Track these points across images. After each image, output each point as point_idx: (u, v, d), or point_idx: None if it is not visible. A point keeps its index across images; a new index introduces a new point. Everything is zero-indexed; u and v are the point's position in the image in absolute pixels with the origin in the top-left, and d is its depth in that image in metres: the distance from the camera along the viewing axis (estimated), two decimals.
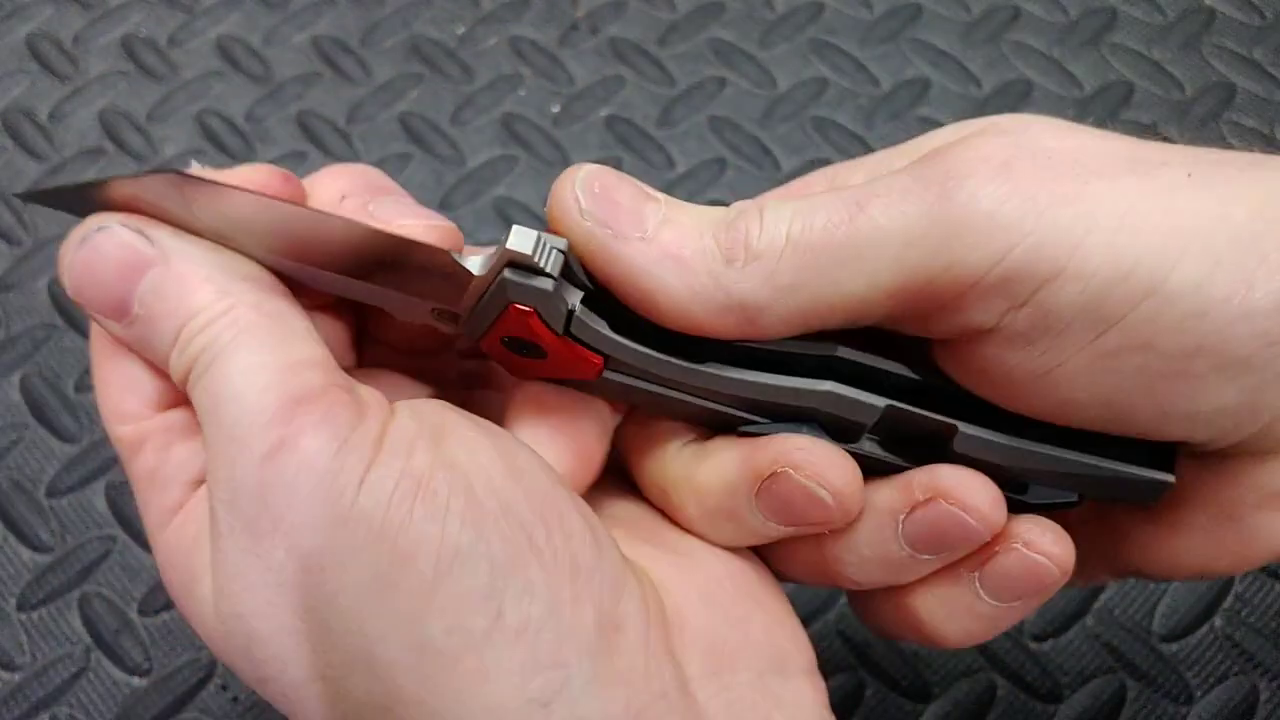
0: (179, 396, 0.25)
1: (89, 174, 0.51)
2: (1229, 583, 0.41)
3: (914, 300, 0.23)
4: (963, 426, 0.25)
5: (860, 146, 0.52)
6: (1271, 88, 0.54)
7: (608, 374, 0.25)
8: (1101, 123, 0.53)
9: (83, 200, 0.24)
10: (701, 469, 0.26)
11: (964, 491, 0.25)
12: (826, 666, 0.40)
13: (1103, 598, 0.41)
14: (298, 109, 0.54)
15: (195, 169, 0.25)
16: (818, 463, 0.24)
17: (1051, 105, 0.53)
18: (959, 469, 0.25)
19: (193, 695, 0.40)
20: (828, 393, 0.25)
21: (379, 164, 0.52)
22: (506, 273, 0.23)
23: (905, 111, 0.53)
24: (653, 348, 0.24)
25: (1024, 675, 0.40)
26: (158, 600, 0.41)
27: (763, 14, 0.57)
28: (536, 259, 0.23)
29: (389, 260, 0.24)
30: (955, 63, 0.55)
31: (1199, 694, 0.39)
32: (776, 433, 0.25)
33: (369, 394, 0.24)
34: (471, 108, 0.53)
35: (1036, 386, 0.23)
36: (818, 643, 0.41)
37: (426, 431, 0.23)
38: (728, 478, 0.25)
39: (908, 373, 0.25)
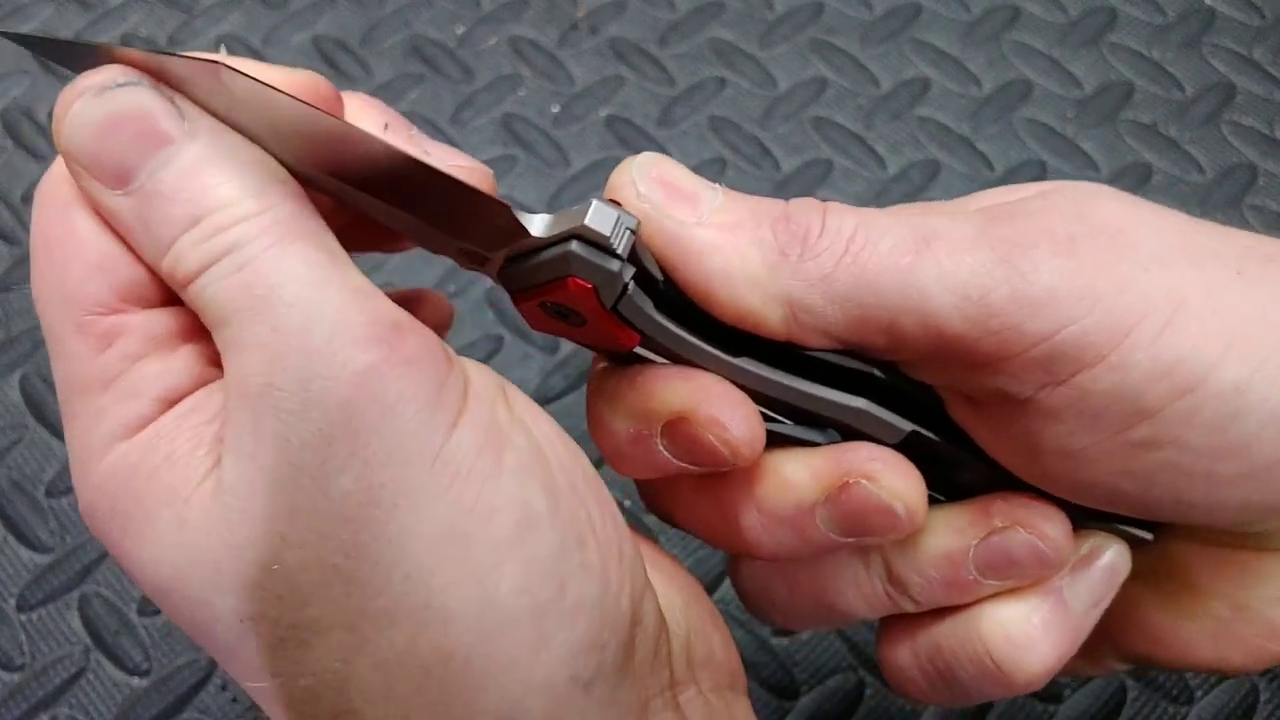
0: (161, 294, 0.22)
1: None
2: None
3: (956, 351, 0.23)
4: (973, 460, 0.25)
5: (860, 146, 0.52)
6: (1271, 88, 0.54)
7: (639, 350, 0.25)
8: (1102, 122, 0.53)
9: (99, 61, 0.21)
10: (766, 475, 0.26)
11: (1042, 522, 0.25)
12: (826, 666, 0.40)
13: None
14: None
15: (229, 59, 0.22)
16: (893, 474, 0.24)
17: (1051, 105, 0.53)
18: (1034, 498, 0.25)
19: (192, 695, 0.40)
20: (861, 410, 0.25)
21: None
22: (574, 245, 0.22)
23: (905, 111, 0.53)
24: (692, 333, 0.24)
25: None
26: None
27: (763, 14, 0.57)
28: (612, 240, 0.22)
29: (435, 197, 0.23)
30: (955, 63, 0.55)
31: (1199, 694, 0.39)
32: (796, 434, 0.25)
33: (441, 340, 0.22)
34: (471, 108, 0.53)
35: (1056, 462, 0.23)
36: (818, 643, 0.41)
37: (499, 389, 0.23)
38: (798, 485, 0.25)
39: (931, 401, 0.25)
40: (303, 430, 0.20)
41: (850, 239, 0.23)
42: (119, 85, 0.21)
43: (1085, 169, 0.51)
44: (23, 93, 0.54)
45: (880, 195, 0.51)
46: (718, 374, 0.25)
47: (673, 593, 0.26)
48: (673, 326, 0.24)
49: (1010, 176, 0.51)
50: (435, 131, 0.53)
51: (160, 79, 0.21)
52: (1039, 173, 0.51)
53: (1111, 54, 0.55)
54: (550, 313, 0.24)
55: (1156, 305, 0.22)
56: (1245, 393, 0.22)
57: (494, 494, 0.21)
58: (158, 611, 0.41)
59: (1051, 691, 0.40)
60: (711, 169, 0.51)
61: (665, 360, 0.25)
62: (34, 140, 0.52)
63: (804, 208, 0.23)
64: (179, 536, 0.21)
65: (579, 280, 0.23)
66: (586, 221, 0.22)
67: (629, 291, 0.23)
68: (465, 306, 0.48)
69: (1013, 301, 0.22)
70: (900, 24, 0.56)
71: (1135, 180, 0.51)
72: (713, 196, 0.24)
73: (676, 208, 0.23)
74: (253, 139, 0.22)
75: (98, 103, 0.21)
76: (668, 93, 0.54)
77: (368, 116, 0.25)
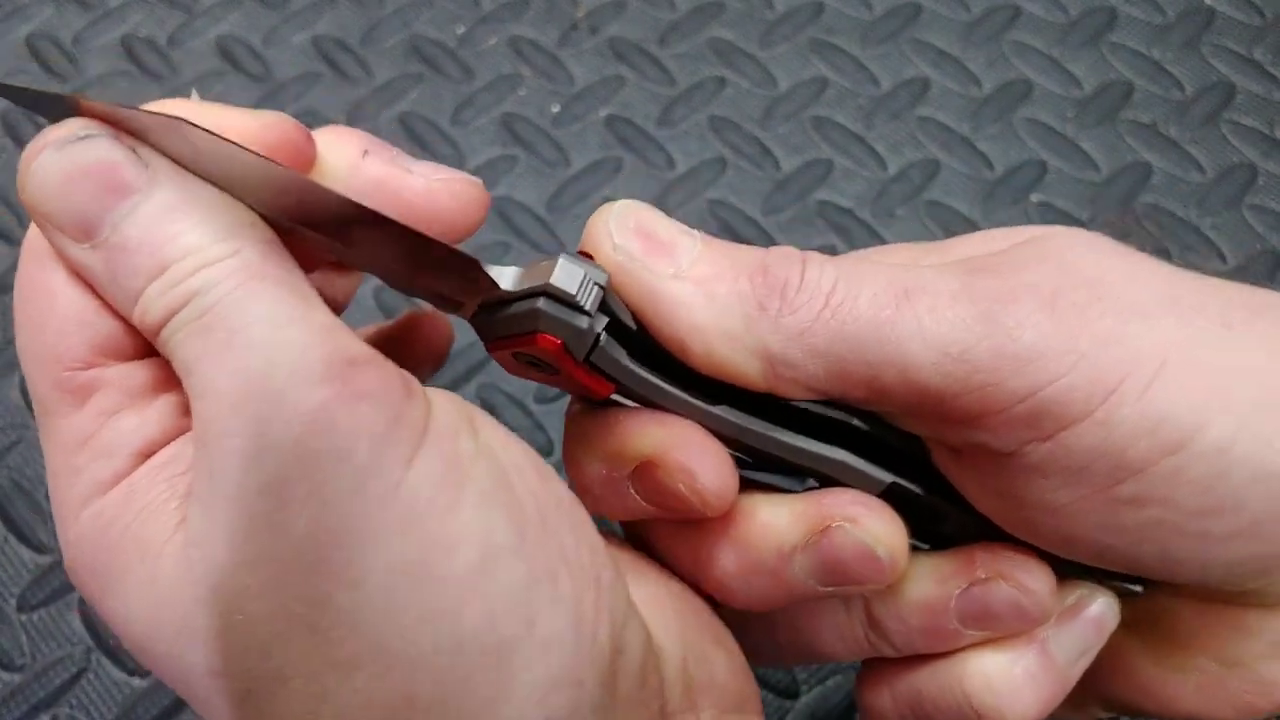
0: (136, 347, 0.22)
1: None
2: None
3: (937, 405, 0.22)
4: (955, 512, 0.25)
5: (860, 146, 0.52)
6: (1271, 88, 0.54)
7: (616, 397, 0.24)
8: (1102, 122, 0.53)
9: (62, 110, 0.22)
10: (745, 520, 0.25)
11: (1025, 575, 0.25)
12: (826, 667, 0.40)
13: None
14: (298, 109, 0.53)
15: (196, 104, 0.22)
16: (876, 519, 0.24)
17: (1052, 105, 0.53)
18: (1019, 550, 0.25)
19: None
20: (840, 461, 0.24)
21: None
22: (541, 303, 0.22)
23: (905, 111, 0.53)
24: (669, 381, 0.24)
25: None
26: None
27: (763, 14, 0.57)
28: (579, 297, 0.22)
29: (403, 248, 0.23)
30: (955, 62, 0.55)
31: None
32: (773, 482, 0.25)
33: (404, 372, 0.22)
34: (471, 108, 0.53)
35: (1041, 516, 0.23)
36: None
37: (464, 419, 0.22)
38: (778, 529, 0.25)
39: (915, 451, 0.25)
40: (259, 475, 0.19)
41: (830, 293, 0.22)
42: (79, 138, 0.21)
43: (1085, 169, 0.51)
44: None
45: (880, 195, 0.51)
46: (695, 421, 0.24)
47: (667, 615, 0.25)
48: (648, 375, 0.24)
49: (1010, 176, 0.51)
50: (435, 131, 0.53)
51: (124, 130, 0.21)
52: (1039, 173, 0.51)
53: (1111, 54, 0.55)
54: (524, 362, 0.24)
55: (1141, 361, 0.22)
56: (1232, 449, 0.21)
57: (454, 528, 0.20)
58: None
59: None
60: (711, 169, 0.51)
61: (640, 405, 0.25)
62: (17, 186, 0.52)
63: (782, 258, 0.23)
64: (151, 592, 0.21)
65: (547, 335, 0.23)
66: (552, 280, 0.22)
67: (601, 343, 0.23)
68: None
69: (995, 357, 0.22)
70: (900, 24, 0.56)
71: (1135, 180, 0.51)
72: (690, 245, 0.23)
73: (653, 259, 0.23)
74: (219, 187, 0.22)
75: (60, 157, 0.21)
76: (668, 93, 0.54)
77: (344, 146, 0.24)
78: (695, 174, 0.51)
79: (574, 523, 0.23)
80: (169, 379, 0.22)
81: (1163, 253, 0.49)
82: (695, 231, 0.24)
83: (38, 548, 0.42)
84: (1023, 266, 0.23)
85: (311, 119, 0.53)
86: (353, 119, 0.53)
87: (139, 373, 0.22)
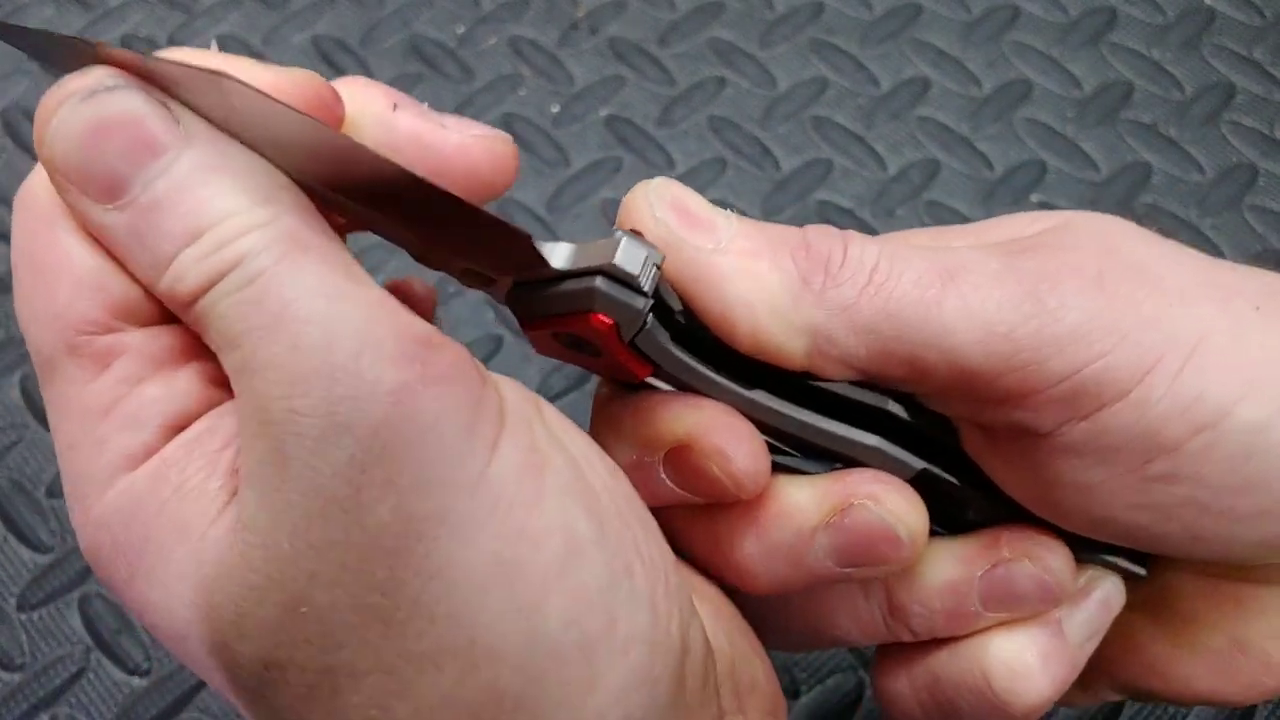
0: (157, 312, 0.20)
1: None
2: None
3: (977, 385, 0.22)
4: (981, 499, 0.26)
5: (860, 146, 0.52)
6: (1271, 88, 0.54)
7: (651, 379, 0.24)
8: (1102, 122, 0.53)
9: (84, 60, 0.19)
10: (769, 500, 0.25)
11: (1048, 554, 0.25)
12: (826, 667, 0.40)
13: None
14: None
15: (220, 56, 0.21)
16: (897, 497, 0.24)
17: (1051, 105, 0.53)
18: (1041, 531, 0.25)
19: (193, 695, 0.40)
20: (873, 447, 0.25)
21: None
22: (600, 282, 0.22)
23: (905, 111, 0.53)
24: (707, 365, 0.24)
25: None
26: None
27: (763, 14, 0.57)
28: (639, 279, 0.22)
29: (448, 220, 0.21)
30: (955, 63, 0.55)
31: None
32: (803, 467, 0.25)
33: (473, 357, 0.21)
34: (471, 108, 0.53)
35: (1071, 496, 0.23)
36: None
37: (533, 406, 0.21)
38: (800, 508, 0.24)
39: (946, 439, 0.25)
40: (332, 458, 0.18)
41: (874, 269, 0.22)
42: (107, 89, 0.19)
43: (1085, 169, 0.51)
44: (23, 93, 0.54)
45: (880, 195, 0.51)
46: (730, 405, 0.24)
47: (716, 618, 0.25)
48: (688, 359, 0.24)
49: (1010, 176, 0.51)
50: None
51: (152, 83, 0.20)
52: (1039, 173, 0.51)
53: (1111, 54, 0.55)
54: (563, 342, 0.24)
55: (1179, 342, 0.22)
56: (1264, 431, 0.22)
57: (539, 520, 0.19)
58: None
59: None
60: (711, 169, 0.51)
61: (675, 389, 0.25)
62: (34, 140, 0.52)
63: (823, 235, 0.23)
64: (195, 578, 0.19)
65: (601, 316, 0.22)
66: (617, 260, 0.21)
67: (648, 325, 0.23)
68: (465, 307, 0.48)
69: (1039, 338, 0.22)
70: (900, 24, 0.56)
71: (1135, 180, 0.51)
72: (728, 223, 0.23)
73: (695, 234, 0.23)
74: (252, 149, 0.20)
75: (84, 109, 0.19)
76: (668, 93, 0.54)
77: (372, 99, 0.23)
78: (695, 174, 0.51)
79: (641, 517, 0.22)
80: (195, 347, 0.20)
81: None
82: (728, 210, 0.24)
83: (37, 547, 0.42)
84: (1065, 249, 0.23)
85: None
86: None
87: (162, 338, 0.20)
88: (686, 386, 0.24)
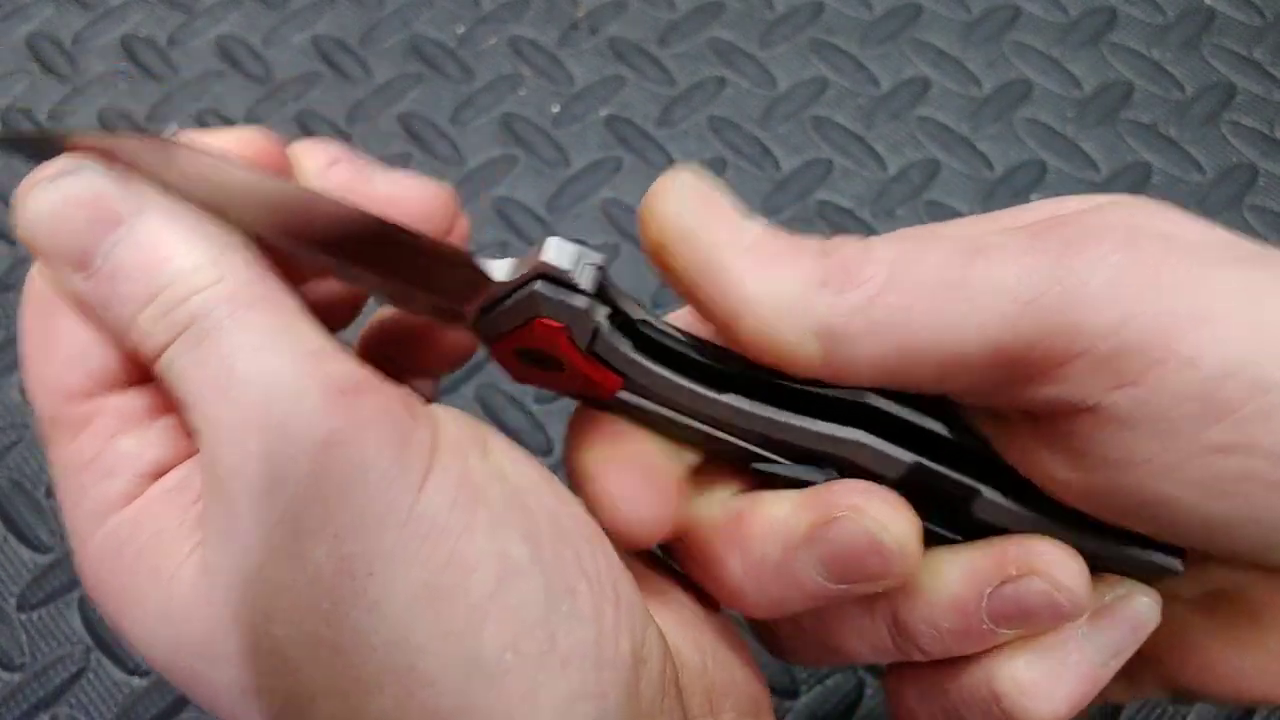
0: (134, 375, 0.22)
1: None
2: None
3: (1011, 362, 0.21)
4: (985, 491, 0.24)
5: (860, 146, 0.52)
6: (1271, 88, 0.54)
7: (623, 394, 0.24)
8: (1102, 122, 0.53)
9: (53, 149, 0.22)
10: (752, 517, 0.25)
11: (1060, 569, 0.24)
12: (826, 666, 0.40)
13: None
14: (297, 109, 0.54)
15: (176, 134, 0.23)
16: (881, 505, 0.23)
17: (1051, 105, 0.53)
18: (1050, 542, 0.24)
19: None
20: (856, 442, 0.24)
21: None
22: (538, 285, 0.22)
23: (905, 111, 0.53)
24: (675, 372, 0.24)
25: None
26: None
27: (763, 14, 0.57)
28: (574, 275, 0.22)
29: (396, 251, 0.23)
30: (955, 63, 0.55)
31: None
32: (790, 474, 0.24)
33: (408, 392, 0.22)
34: (471, 108, 0.53)
35: (1118, 478, 0.22)
36: None
37: (472, 438, 0.22)
38: (782, 523, 0.24)
39: (938, 429, 0.24)
40: (274, 508, 0.20)
41: (893, 261, 0.22)
42: (71, 172, 0.21)
43: (1085, 169, 0.51)
44: (23, 93, 0.54)
45: (880, 195, 0.51)
46: (703, 413, 0.24)
47: (685, 622, 0.25)
48: (653, 366, 0.23)
49: (1010, 176, 0.51)
50: (435, 131, 0.53)
51: (115, 160, 0.22)
52: (1039, 173, 0.51)
53: (1111, 54, 0.55)
54: (527, 360, 0.24)
55: (1228, 297, 0.21)
56: None
57: (470, 548, 0.20)
58: None
59: None
60: (711, 169, 0.51)
61: (649, 405, 0.24)
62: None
63: (844, 240, 0.23)
64: (168, 614, 0.21)
65: (547, 321, 0.22)
66: (548, 259, 0.22)
67: (604, 331, 0.22)
68: None
69: (1069, 298, 0.21)
70: (900, 24, 0.56)
71: (1135, 180, 0.51)
72: (750, 224, 0.23)
73: (716, 228, 0.22)
74: (209, 210, 0.22)
75: (50, 190, 0.21)
76: (668, 93, 0.54)
77: (314, 157, 0.25)
78: None
79: (588, 535, 0.22)
80: (168, 403, 0.22)
81: None
82: (757, 216, 0.23)
83: (38, 547, 0.42)
84: (1092, 221, 0.22)
85: (311, 119, 0.53)
86: (352, 119, 0.53)
87: (136, 399, 0.22)
88: (656, 397, 0.24)
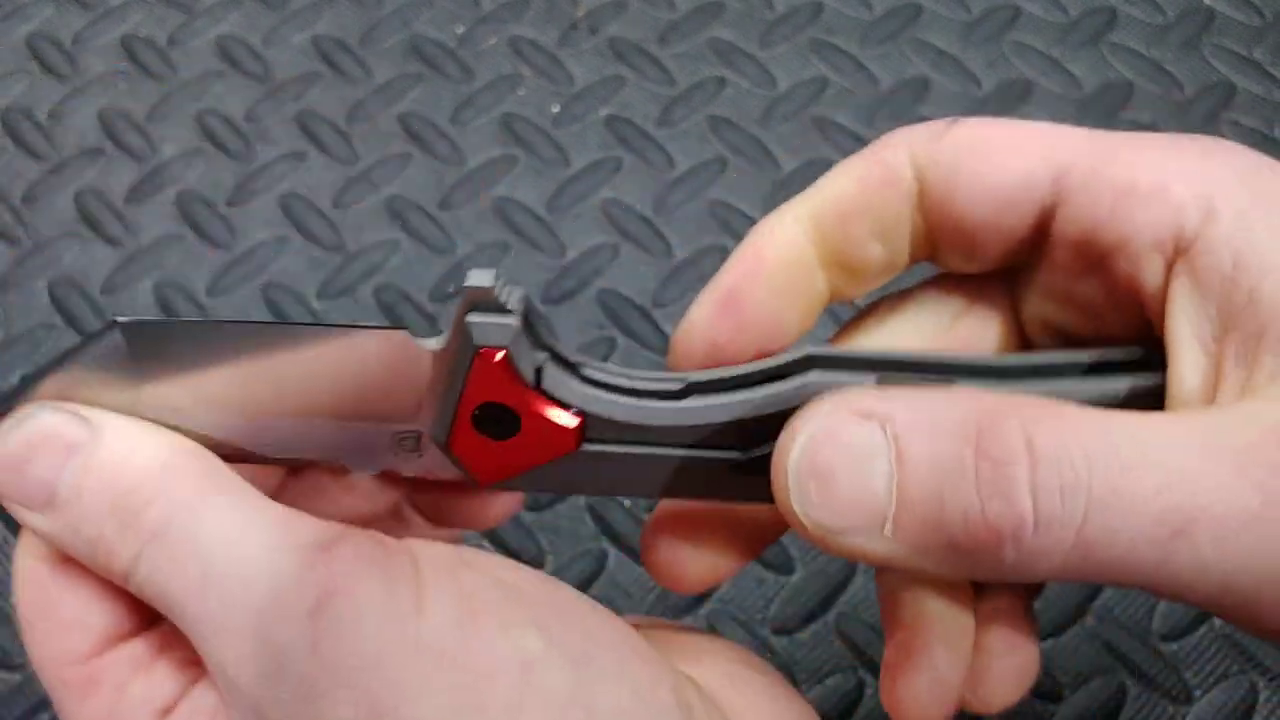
0: (129, 625, 0.23)
1: (88, 174, 0.51)
2: None
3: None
4: (960, 382, 0.24)
5: (860, 146, 0.52)
6: (1271, 88, 0.54)
7: (588, 446, 0.24)
8: (1101, 122, 0.53)
9: (21, 401, 0.23)
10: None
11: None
12: (826, 666, 0.40)
13: (1103, 597, 0.41)
14: (297, 109, 0.54)
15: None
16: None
17: (1051, 105, 0.53)
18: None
19: None
20: (813, 383, 0.24)
21: (379, 164, 0.52)
22: (470, 317, 0.23)
23: (905, 111, 0.53)
24: (629, 396, 0.24)
25: None
26: None
27: (763, 14, 0.57)
28: (499, 295, 0.22)
29: (344, 371, 0.23)
30: (955, 62, 0.55)
31: (1199, 693, 0.39)
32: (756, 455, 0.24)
33: (370, 532, 0.22)
34: (471, 108, 0.53)
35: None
36: (818, 643, 0.41)
37: (452, 553, 0.22)
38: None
39: (887, 354, 0.24)
40: (288, 686, 0.20)
41: (1080, 528, 0.19)
42: (26, 417, 0.22)
43: None
44: (23, 92, 0.54)
45: None
46: (673, 432, 0.24)
47: (708, 670, 0.25)
48: (607, 395, 0.24)
49: None
50: (435, 131, 0.53)
51: (70, 397, 0.23)
52: None
53: (1111, 54, 0.55)
54: (485, 428, 0.24)
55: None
56: None
57: (485, 658, 0.20)
58: None
59: (1052, 691, 0.40)
60: (711, 169, 0.51)
61: (617, 450, 0.24)
62: (34, 140, 0.52)
63: (1001, 426, 0.20)
64: None
65: (488, 351, 0.23)
66: (467, 283, 0.22)
67: (548, 369, 0.23)
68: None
69: None
70: (900, 24, 0.56)
71: None
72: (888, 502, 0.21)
73: (837, 517, 0.21)
74: (162, 412, 0.23)
75: (11, 436, 0.22)
76: (668, 93, 0.54)
77: None
78: (695, 174, 0.51)
79: (591, 608, 0.23)
80: (165, 643, 0.23)
81: None
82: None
83: None
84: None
85: (311, 119, 0.53)
86: (352, 119, 0.53)
87: (137, 647, 0.23)
88: (622, 432, 0.24)
